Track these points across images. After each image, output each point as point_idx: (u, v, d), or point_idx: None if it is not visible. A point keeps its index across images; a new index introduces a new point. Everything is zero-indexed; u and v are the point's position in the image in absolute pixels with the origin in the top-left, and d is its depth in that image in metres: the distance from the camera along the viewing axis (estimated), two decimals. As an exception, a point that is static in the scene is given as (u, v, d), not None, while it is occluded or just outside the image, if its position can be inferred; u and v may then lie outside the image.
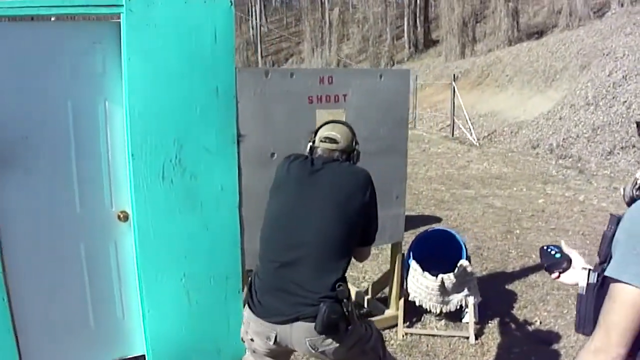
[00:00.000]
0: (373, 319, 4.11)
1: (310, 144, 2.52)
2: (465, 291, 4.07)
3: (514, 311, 4.45)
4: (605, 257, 1.49)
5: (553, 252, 1.81)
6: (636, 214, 1.42)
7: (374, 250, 5.21)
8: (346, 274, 2.30)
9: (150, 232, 3.14)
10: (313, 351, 2.22)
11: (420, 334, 4.04)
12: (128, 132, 3.01)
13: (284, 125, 3.36)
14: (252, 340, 2.30)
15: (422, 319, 4.25)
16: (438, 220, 7.07)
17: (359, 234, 2.36)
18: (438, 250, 4.29)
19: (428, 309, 4.09)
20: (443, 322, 4.22)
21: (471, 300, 4.07)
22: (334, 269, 2.21)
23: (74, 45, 2.98)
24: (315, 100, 3.45)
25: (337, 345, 2.20)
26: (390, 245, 4.20)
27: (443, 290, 3.99)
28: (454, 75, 16.71)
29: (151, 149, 3.05)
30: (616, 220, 1.48)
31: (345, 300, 2.19)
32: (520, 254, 5.75)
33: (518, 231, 6.56)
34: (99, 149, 3.12)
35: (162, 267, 3.20)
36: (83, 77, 3.02)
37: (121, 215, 3.20)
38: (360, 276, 5.18)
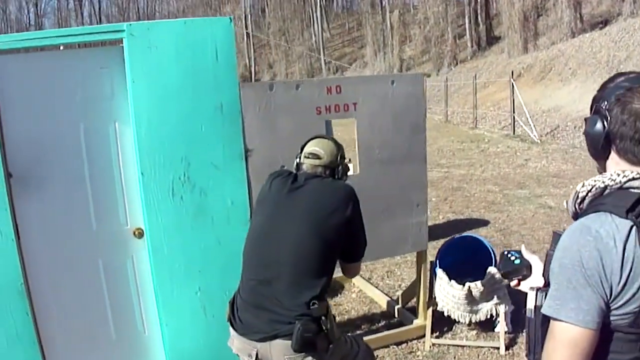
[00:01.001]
0: (401, 329, 4.05)
1: (297, 160, 2.51)
2: (495, 299, 3.93)
3: None
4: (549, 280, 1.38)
5: (512, 258, 1.68)
6: (567, 242, 1.30)
7: (408, 257, 5.16)
8: (326, 291, 2.29)
9: (164, 247, 3.22)
10: None
11: (449, 345, 3.93)
12: (137, 152, 3.10)
13: (293, 137, 3.33)
14: (238, 356, 2.32)
15: (453, 328, 4.14)
16: (485, 223, 6.88)
17: (338, 251, 2.34)
18: (467, 258, 4.16)
19: (457, 319, 3.98)
20: (475, 332, 4.09)
21: (502, 308, 3.93)
22: (310, 286, 2.19)
23: (82, 71, 3.11)
24: (324, 110, 3.45)
25: None
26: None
27: (471, 299, 3.87)
28: (512, 72, 16.34)
29: (160, 167, 3.14)
30: (558, 238, 1.37)
31: (323, 318, 2.16)
32: (567, 258, 5.49)
33: (569, 232, 6.27)
34: (111, 168, 3.23)
35: (177, 282, 3.27)
36: (93, 101, 3.15)
37: (137, 232, 3.30)
38: (396, 284, 5.11)
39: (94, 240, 3.27)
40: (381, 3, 40.78)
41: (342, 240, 2.32)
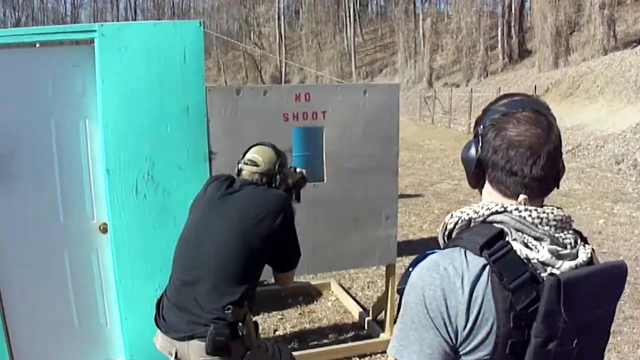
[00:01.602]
0: (366, 341, 4.05)
1: (238, 165, 2.54)
2: None
3: None
4: None
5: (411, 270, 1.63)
6: (415, 278, 1.20)
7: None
8: (247, 299, 2.30)
9: (126, 244, 3.30)
10: None
11: None
12: (103, 149, 3.19)
13: (258, 143, 3.40)
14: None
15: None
16: (482, 239, 6.80)
17: (264, 259, 2.37)
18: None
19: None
20: None
21: None
22: (230, 292, 2.23)
23: (55, 69, 3.21)
24: (292, 117, 3.49)
25: None
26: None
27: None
28: (536, 87, 16.04)
29: (124, 165, 3.22)
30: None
31: (240, 324, 2.20)
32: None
33: (564, 254, 6.18)
34: (80, 164, 3.33)
35: (138, 278, 3.34)
36: (65, 98, 3.25)
37: (102, 227, 3.38)
38: (375, 295, 5.10)
39: (61, 233, 3.37)
40: (415, 10, 40.63)
41: (269, 249, 2.35)
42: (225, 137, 3.36)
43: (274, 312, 4.58)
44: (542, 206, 1.21)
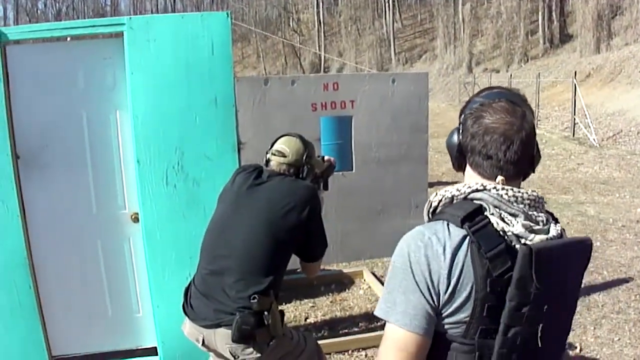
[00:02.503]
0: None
1: (267, 155, 2.55)
2: None
3: None
4: None
5: None
6: (401, 246, 1.32)
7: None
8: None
9: (157, 233, 3.36)
10: (234, 358, 2.27)
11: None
12: (133, 140, 3.25)
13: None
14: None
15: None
16: (518, 228, 6.70)
17: (290, 251, 2.38)
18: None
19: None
20: None
21: None
22: (256, 282, 2.24)
23: (87, 62, 3.28)
24: (320, 107, 3.49)
25: (258, 355, 2.24)
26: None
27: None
28: (576, 72, 15.60)
29: (154, 156, 3.27)
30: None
31: (266, 313, 2.21)
32: (591, 269, 5.26)
33: (599, 243, 6.02)
34: (111, 155, 3.40)
35: (169, 267, 3.41)
36: (96, 90, 3.31)
37: (134, 217, 3.45)
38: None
39: (94, 223, 3.45)
40: (455, -5, 39.98)
41: (295, 240, 2.36)
42: (254, 127, 3.39)
43: (306, 300, 4.62)
44: (518, 187, 1.31)
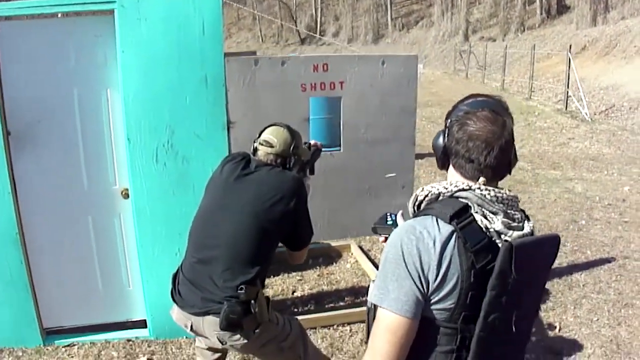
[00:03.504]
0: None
1: (254, 144, 2.57)
2: None
3: (541, 312, 4.13)
4: None
5: (389, 219, 1.83)
6: (394, 238, 1.44)
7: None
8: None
9: (147, 210, 3.42)
10: (222, 345, 2.36)
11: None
12: (124, 118, 3.28)
13: (276, 113, 3.42)
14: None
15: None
16: (504, 203, 6.78)
17: (277, 241, 2.43)
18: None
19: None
20: None
21: None
22: (243, 272, 2.30)
23: (78, 39, 3.28)
24: (309, 87, 3.52)
25: (245, 342, 2.32)
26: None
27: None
28: (571, 45, 15.53)
29: (145, 134, 3.31)
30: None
31: (252, 301, 2.28)
32: (574, 248, 5.37)
33: (584, 222, 6.12)
34: (102, 131, 3.43)
35: (159, 242, 3.48)
36: (87, 67, 3.32)
37: (124, 192, 3.50)
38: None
39: (85, 198, 3.50)
40: (454, -40, 39.32)
41: (282, 231, 2.41)
42: (244, 107, 3.42)
43: (294, 273, 4.69)
44: (497, 187, 1.46)
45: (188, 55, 3.25)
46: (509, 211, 1.43)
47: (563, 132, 11.58)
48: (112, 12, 3.18)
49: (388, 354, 1.38)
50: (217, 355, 2.66)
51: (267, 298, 2.42)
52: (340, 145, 3.69)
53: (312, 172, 2.88)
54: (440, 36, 34.64)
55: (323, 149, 3.03)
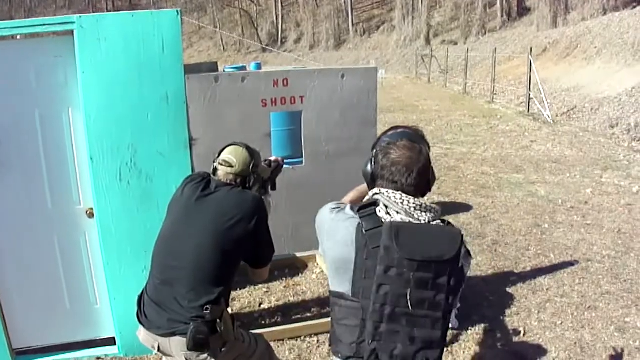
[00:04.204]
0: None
1: (214, 164, 2.61)
2: None
3: (505, 318, 4.25)
4: None
5: None
6: (322, 210, 1.87)
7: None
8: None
9: (112, 228, 3.45)
10: None
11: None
12: (87, 138, 3.30)
13: (238, 129, 3.51)
14: None
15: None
16: (468, 208, 6.94)
17: (239, 261, 2.48)
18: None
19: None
20: None
21: None
22: (207, 292, 2.35)
23: (37, 60, 3.30)
24: (270, 103, 3.58)
25: None
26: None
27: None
28: (532, 47, 15.90)
29: (108, 153, 3.34)
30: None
31: (218, 320, 2.33)
32: (538, 252, 5.50)
33: (547, 225, 6.26)
34: (65, 152, 3.44)
35: (125, 260, 3.50)
36: (48, 88, 3.34)
37: (89, 212, 3.52)
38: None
39: (50, 218, 3.51)
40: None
41: (243, 250, 2.46)
42: (205, 123, 3.46)
43: (260, 286, 4.71)
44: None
45: (149, 74, 3.29)
46: (414, 212, 1.72)
47: (525, 135, 11.84)
48: (71, 32, 3.21)
49: None
50: None
51: (233, 317, 2.47)
52: (302, 158, 3.75)
53: (273, 188, 2.94)
54: (401, 41, 35.14)
55: (286, 161, 3.09)
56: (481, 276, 5.01)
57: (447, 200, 7.36)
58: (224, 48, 52.61)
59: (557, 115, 13.77)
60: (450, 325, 3.97)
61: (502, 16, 29.84)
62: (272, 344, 3.72)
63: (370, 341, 1.63)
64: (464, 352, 3.81)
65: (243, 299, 4.50)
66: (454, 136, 12.09)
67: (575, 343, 3.85)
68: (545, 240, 5.84)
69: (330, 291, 1.82)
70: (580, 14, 22.90)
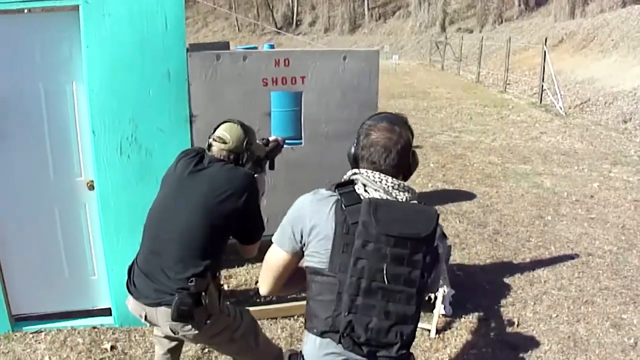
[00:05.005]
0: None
1: (209, 139, 2.64)
2: None
3: (500, 308, 4.25)
4: None
5: None
6: (300, 198, 1.91)
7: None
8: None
9: (111, 200, 3.52)
10: (174, 334, 2.47)
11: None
12: (89, 111, 3.36)
13: (238, 107, 3.55)
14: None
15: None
16: (471, 197, 6.95)
17: (227, 235, 2.52)
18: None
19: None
20: None
21: (440, 292, 3.99)
22: (194, 265, 2.40)
23: (43, 35, 3.35)
24: (271, 82, 3.62)
25: (196, 332, 2.43)
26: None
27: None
28: (546, 38, 15.70)
29: (109, 127, 3.40)
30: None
31: (203, 293, 2.39)
32: (539, 244, 5.50)
33: (550, 217, 6.25)
34: (68, 125, 3.50)
35: (123, 233, 3.57)
36: (52, 62, 3.40)
37: (89, 184, 3.58)
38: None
39: (51, 189, 3.59)
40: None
41: (232, 225, 2.50)
42: (206, 101, 3.51)
43: (258, 264, 4.71)
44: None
45: (151, 51, 3.33)
46: (392, 191, 1.76)
47: (536, 126, 11.77)
48: (76, 8, 3.25)
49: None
50: (173, 343, 2.78)
51: (219, 290, 2.52)
52: (301, 139, 3.79)
53: (271, 167, 2.98)
54: (417, 27, 34.92)
55: (286, 142, 3.13)
56: (479, 265, 5.03)
57: (451, 188, 7.37)
58: (238, 29, 52.50)
59: (569, 108, 13.66)
60: (444, 312, 4.04)
61: (519, 5, 29.53)
62: (265, 322, 3.84)
63: (346, 313, 1.67)
64: (455, 340, 3.83)
65: (240, 277, 4.56)
66: (463, 124, 12.06)
67: (569, 337, 3.85)
68: (547, 232, 5.83)
69: (306, 267, 1.84)
70: (598, 5, 22.62)
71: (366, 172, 1.79)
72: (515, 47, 19.42)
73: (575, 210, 6.55)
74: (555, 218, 6.26)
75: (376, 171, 1.78)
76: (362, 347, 1.70)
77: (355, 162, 1.86)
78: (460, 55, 23.94)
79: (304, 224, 1.81)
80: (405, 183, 1.81)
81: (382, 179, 1.77)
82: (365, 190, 1.77)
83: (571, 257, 5.20)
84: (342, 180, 1.83)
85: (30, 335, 3.67)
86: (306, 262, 1.84)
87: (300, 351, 1.89)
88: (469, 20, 32.79)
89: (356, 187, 1.78)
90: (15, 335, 3.66)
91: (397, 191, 1.77)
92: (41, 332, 3.70)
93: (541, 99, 14.60)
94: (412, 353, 1.79)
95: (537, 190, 7.27)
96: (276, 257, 1.92)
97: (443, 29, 33.05)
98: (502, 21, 29.31)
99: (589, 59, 17.16)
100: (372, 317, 1.67)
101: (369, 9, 44.11)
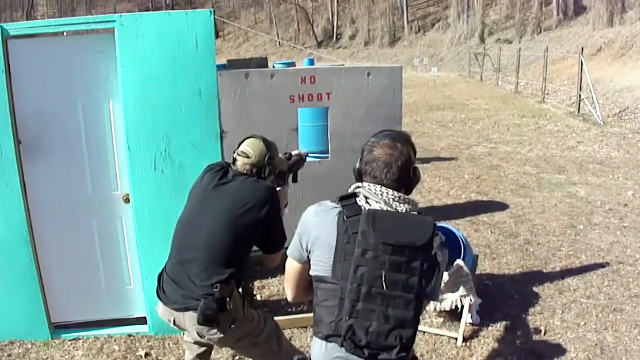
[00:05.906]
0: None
1: (233, 154, 2.79)
2: (461, 291, 4.02)
3: (528, 316, 4.24)
4: None
5: None
6: (306, 210, 2.02)
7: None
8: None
9: (145, 213, 3.68)
10: (200, 338, 2.61)
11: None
12: (124, 128, 3.53)
13: (265, 123, 3.68)
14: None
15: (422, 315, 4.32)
16: (504, 207, 6.92)
17: (250, 245, 2.65)
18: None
19: (421, 306, 4.17)
20: (441, 319, 4.20)
21: (467, 301, 4.03)
22: (218, 272, 2.54)
23: (82, 55, 3.55)
24: (297, 99, 3.73)
25: (221, 336, 2.56)
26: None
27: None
28: (583, 47, 15.48)
29: (144, 143, 3.56)
30: None
31: (228, 299, 2.51)
32: (569, 253, 5.46)
33: (582, 227, 6.17)
34: (105, 141, 3.69)
35: (157, 244, 3.71)
36: (90, 81, 3.60)
37: (125, 197, 3.75)
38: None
39: (89, 202, 3.78)
40: (470, -37, 39.38)
41: (255, 235, 2.63)
42: (235, 117, 3.65)
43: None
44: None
45: (183, 70, 3.49)
46: (393, 203, 1.87)
47: (573, 136, 11.62)
48: (112, 30, 3.44)
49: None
50: (203, 349, 2.91)
51: (243, 297, 2.64)
52: (328, 153, 3.90)
53: (294, 180, 3.09)
54: (456, 38, 34.78)
55: (313, 155, 3.24)
56: (509, 274, 5.02)
57: (484, 199, 7.35)
58: (279, 43, 53.18)
59: (607, 116, 13.44)
60: (471, 321, 4.08)
61: (557, 14, 29.19)
62: (295, 330, 3.94)
63: (347, 318, 1.78)
64: (482, 348, 3.85)
65: (272, 287, 4.67)
66: (500, 135, 11.99)
67: (596, 344, 3.83)
68: (579, 241, 5.77)
69: (312, 276, 1.96)
70: (637, 12, 22.19)
71: (368, 185, 1.91)
72: (554, 57, 19.23)
73: (608, 219, 6.46)
74: (588, 227, 6.19)
75: (377, 185, 1.90)
76: (364, 350, 1.79)
77: (359, 176, 1.99)
78: (499, 66, 23.75)
79: (309, 234, 1.95)
80: (406, 196, 1.92)
81: (382, 192, 1.88)
82: (367, 202, 1.87)
83: (602, 265, 5.15)
84: (354, 189, 1.96)
85: (69, 343, 3.85)
86: (312, 270, 1.96)
87: (309, 355, 2.01)
88: (507, 30, 32.52)
89: (358, 199, 1.89)
90: (54, 343, 3.84)
91: (397, 203, 1.88)
92: (79, 339, 3.88)
93: (579, 108, 14.39)
94: (416, 357, 1.91)
95: (571, 200, 7.20)
96: (291, 266, 2.08)
97: (482, 40, 32.86)
98: (540, 31, 29.00)
99: (628, 66, 16.86)
100: (372, 321, 1.77)
101: (408, 22, 44.15)
